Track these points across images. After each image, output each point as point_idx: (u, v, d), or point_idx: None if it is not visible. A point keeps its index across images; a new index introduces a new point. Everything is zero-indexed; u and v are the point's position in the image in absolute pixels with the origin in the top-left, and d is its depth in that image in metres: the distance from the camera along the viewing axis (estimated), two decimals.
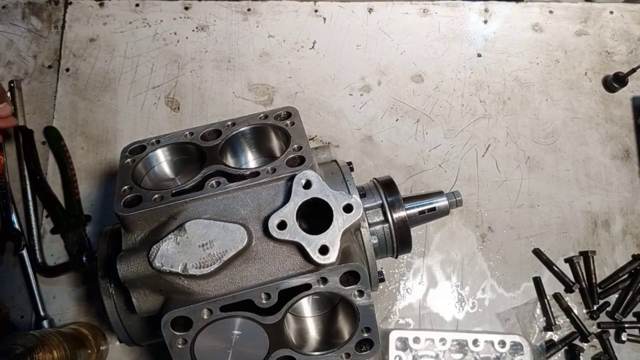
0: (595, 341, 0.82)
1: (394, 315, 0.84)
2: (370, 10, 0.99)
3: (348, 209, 0.53)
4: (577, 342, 0.82)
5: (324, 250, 0.52)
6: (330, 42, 0.98)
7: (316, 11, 0.99)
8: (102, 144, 0.92)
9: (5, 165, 0.88)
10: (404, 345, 0.79)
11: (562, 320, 0.83)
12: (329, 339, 0.60)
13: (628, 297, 0.83)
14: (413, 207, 0.69)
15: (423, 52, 0.98)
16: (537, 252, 0.86)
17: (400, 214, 0.66)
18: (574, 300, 0.84)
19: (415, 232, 0.84)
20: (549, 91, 0.96)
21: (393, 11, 1.00)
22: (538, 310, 0.83)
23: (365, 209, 0.65)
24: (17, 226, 0.85)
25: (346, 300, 0.55)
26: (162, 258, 0.52)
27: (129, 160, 0.62)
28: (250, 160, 0.68)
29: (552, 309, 0.82)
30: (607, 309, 0.84)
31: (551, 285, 0.85)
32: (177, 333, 0.52)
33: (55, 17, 0.98)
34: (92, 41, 0.97)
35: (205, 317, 0.52)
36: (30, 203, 0.86)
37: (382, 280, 0.65)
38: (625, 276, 0.85)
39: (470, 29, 0.99)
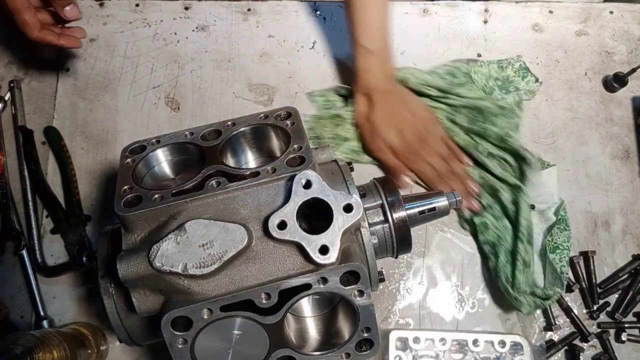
0: (595, 341, 0.82)
1: (394, 315, 0.84)
2: None
3: (348, 209, 0.53)
4: (577, 342, 0.82)
5: (324, 250, 0.52)
6: (330, 42, 0.98)
7: (316, 11, 0.99)
8: (102, 144, 0.92)
9: (5, 165, 0.88)
10: (404, 345, 0.79)
11: (562, 320, 0.83)
12: (329, 339, 0.60)
13: (628, 297, 0.83)
14: (413, 207, 0.69)
15: (423, 52, 0.98)
16: None
17: (400, 214, 0.66)
18: (573, 300, 0.84)
19: (415, 232, 0.84)
20: (549, 91, 0.96)
21: (393, 11, 1.00)
22: (538, 310, 0.83)
23: (365, 209, 0.65)
24: (17, 226, 0.85)
25: (346, 300, 0.55)
26: (162, 258, 0.52)
27: (129, 160, 0.62)
28: (250, 160, 0.68)
29: (552, 309, 0.82)
30: (607, 309, 0.84)
31: None
32: (177, 333, 0.52)
33: None
34: (92, 41, 0.97)
35: (205, 317, 0.52)
36: (30, 203, 0.86)
37: (382, 280, 0.65)
38: (625, 276, 0.85)
39: (470, 29, 0.99)
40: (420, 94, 0.91)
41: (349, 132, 0.90)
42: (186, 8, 0.99)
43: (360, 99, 0.88)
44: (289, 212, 0.53)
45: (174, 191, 0.56)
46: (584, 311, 0.84)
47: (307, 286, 0.53)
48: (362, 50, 0.85)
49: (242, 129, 0.63)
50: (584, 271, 0.85)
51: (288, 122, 0.63)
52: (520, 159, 0.84)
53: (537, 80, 0.93)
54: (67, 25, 0.82)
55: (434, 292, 0.85)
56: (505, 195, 0.83)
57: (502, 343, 0.78)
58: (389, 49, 0.87)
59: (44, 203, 0.87)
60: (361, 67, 0.86)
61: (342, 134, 0.90)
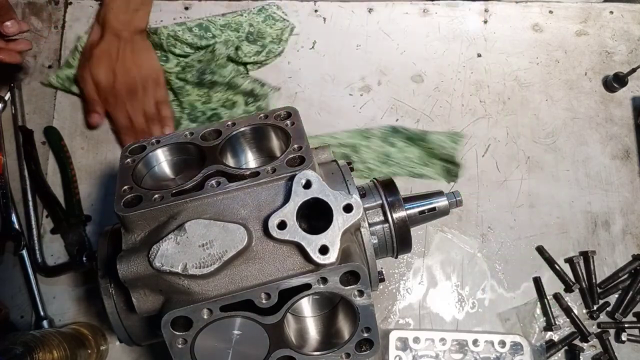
0: (595, 341, 0.82)
1: (394, 315, 0.84)
2: (370, 10, 0.99)
3: (348, 209, 0.53)
4: (577, 342, 0.82)
5: (324, 250, 0.52)
6: (330, 42, 0.98)
7: (316, 11, 0.99)
8: (102, 144, 0.92)
9: (5, 165, 0.88)
10: (404, 345, 0.79)
11: (562, 320, 0.83)
12: (329, 339, 0.60)
13: (628, 297, 0.83)
14: (413, 207, 0.69)
15: (423, 52, 0.98)
16: (540, 250, 0.86)
17: (400, 214, 0.65)
18: (573, 300, 0.84)
19: (415, 232, 0.84)
20: (549, 91, 0.96)
21: (393, 11, 1.00)
22: (538, 310, 0.84)
23: (365, 209, 0.65)
24: (17, 226, 0.85)
25: (346, 300, 0.55)
26: (162, 258, 0.52)
27: (129, 160, 0.62)
28: (250, 160, 0.68)
29: (552, 309, 0.83)
30: (607, 309, 0.84)
31: (551, 285, 0.85)
32: (177, 333, 0.52)
33: (55, 17, 0.98)
34: None
35: (205, 317, 0.52)
36: (30, 203, 0.86)
37: (382, 280, 0.65)
38: (625, 276, 0.85)
39: (470, 29, 0.99)
40: (170, 51, 0.92)
41: (74, 60, 0.92)
42: (186, 8, 0.99)
43: (96, 29, 0.89)
44: (289, 212, 0.53)
45: (174, 191, 0.56)
46: (584, 311, 0.84)
47: (307, 286, 0.53)
48: None
49: (242, 129, 0.63)
50: (584, 271, 0.85)
51: (288, 122, 0.63)
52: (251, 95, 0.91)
53: (290, 28, 0.96)
54: (12, 38, 0.82)
55: (434, 292, 0.85)
56: None
57: (502, 343, 0.78)
58: (146, 3, 0.89)
59: (44, 203, 0.87)
60: (108, 2, 0.88)
61: (67, 59, 0.92)
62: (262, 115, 0.64)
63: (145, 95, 0.87)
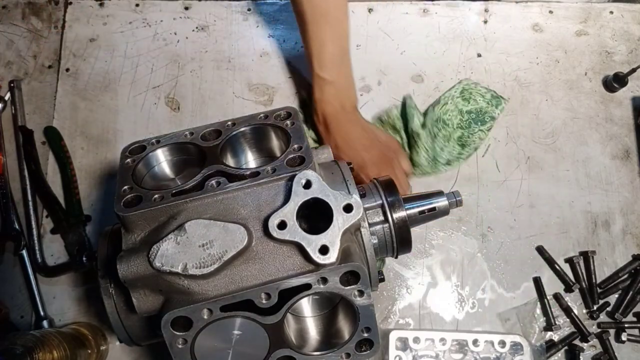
0: (595, 341, 0.82)
1: (394, 315, 0.84)
2: (370, 10, 0.99)
3: (348, 209, 0.53)
4: (577, 342, 0.82)
5: (324, 250, 0.52)
6: None
7: None
8: (102, 144, 0.92)
9: (5, 165, 0.88)
10: (404, 345, 0.79)
11: (562, 320, 0.83)
12: (329, 339, 0.60)
13: (628, 297, 0.83)
14: (413, 207, 0.69)
15: (423, 52, 0.98)
16: (540, 250, 0.86)
17: (400, 214, 0.65)
18: (573, 300, 0.84)
19: (415, 232, 0.84)
20: (549, 91, 0.96)
21: (393, 11, 1.00)
22: (538, 310, 0.84)
23: (365, 209, 0.65)
24: (17, 226, 0.85)
25: (346, 300, 0.55)
26: (162, 258, 0.52)
27: (129, 160, 0.62)
28: (250, 160, 0.68)
29: (552, 309, 0.82)
30: (607, 309, 0.84)
31: (551, 285, 0.85)
32: (177, 333, 0.52)
33: (55, 17, 0.99)
34: (92, 41, 0.97)
35: (205, 317, 0.52)
36: (30, 203, 0.86)
37: (382, 280, 0.65)
38: (625, 276, 0.85)
39: (470, 29, 0.99)
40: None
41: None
42: (186, 8, 0.99)
43: (320, 128, 0.85)
44: (289, 212, 0.53)
45: (174, 191, 0.56)
46: (584, 311, 0.84)
47: (307, 286, 0.53)
48: (318, 79, 0.82)
49: (242, 129, 0.63)
50: (584, 271, 0.85)
51: (288, 122, 0.63)
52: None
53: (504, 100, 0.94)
54: None
55: (434, 292, 0.85)
56: None
57: (502, 343, 0.78)
58: (348, 78, 0.85)
59: (44, 203, 0.87)
60: (317, 97, 0.84)
61: None
62: (262, 115, 0.64)
63: (396, 163, 0.84)
